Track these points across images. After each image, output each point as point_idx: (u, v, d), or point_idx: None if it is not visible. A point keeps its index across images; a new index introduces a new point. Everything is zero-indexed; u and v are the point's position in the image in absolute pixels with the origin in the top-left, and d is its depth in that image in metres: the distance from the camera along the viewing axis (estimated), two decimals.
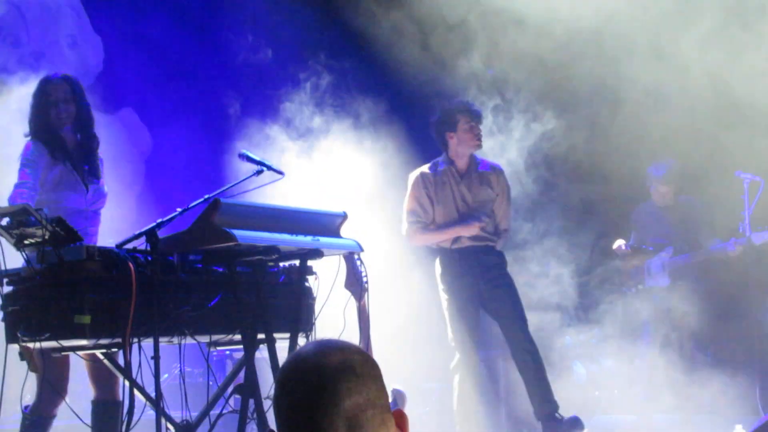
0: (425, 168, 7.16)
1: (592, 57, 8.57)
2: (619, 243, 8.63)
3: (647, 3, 8.34)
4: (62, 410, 6.76)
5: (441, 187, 7.04)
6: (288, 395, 2.16)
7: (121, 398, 5.13)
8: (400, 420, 2.23)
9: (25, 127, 5.58)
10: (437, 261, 7.09)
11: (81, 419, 4.87)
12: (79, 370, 7.09)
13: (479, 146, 7.09)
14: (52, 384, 4.96)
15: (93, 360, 5.15)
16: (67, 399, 6.22)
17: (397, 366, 7.16)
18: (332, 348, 2.20)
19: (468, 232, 6.93)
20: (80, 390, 7.66)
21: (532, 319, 7.31)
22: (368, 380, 2.18)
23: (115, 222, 6.08)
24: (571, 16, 8.26)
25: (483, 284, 6.94)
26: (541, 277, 9.23)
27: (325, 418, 2.11)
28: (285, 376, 2.18)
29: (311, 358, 2.18)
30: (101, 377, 5.21)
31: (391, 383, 6.30)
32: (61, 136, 5.51)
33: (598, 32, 8.19)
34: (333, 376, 2.14)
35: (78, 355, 4.83)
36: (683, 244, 8.34)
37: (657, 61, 8.47)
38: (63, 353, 4.92)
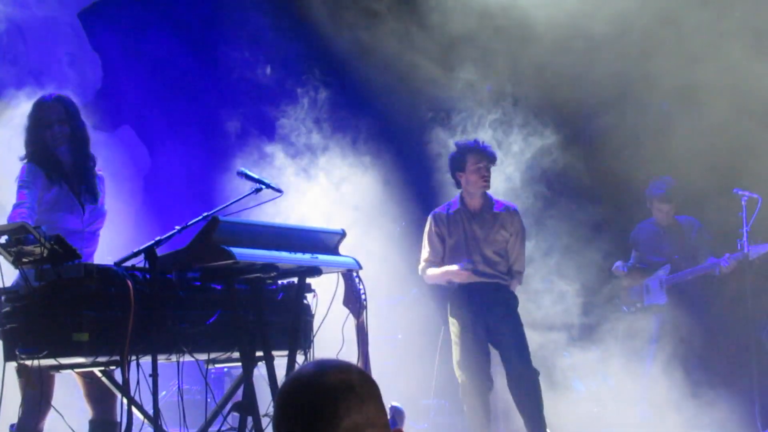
0: (439, 208, 7.20)
1: (605, 67, 8.64)
2: (617, 264, 8.72)
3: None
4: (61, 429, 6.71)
5: (453, 225, 7.05)
6: (288, 415, 2.17)
7: (118, 418, 5.13)
8: None
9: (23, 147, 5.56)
10: (449, 300, 7.07)
11: None
12: (73, 387, 7.03)
13: (486, 187, 7.04)
14: (41, 399, 4.97)
15: (89, 379, 5.15)
16: (65, 416, 6.19)
17: (396, 383, 7.16)
18: (331, 368, 2.20)
19: (457, 277, 6.89)
20: (78, 406, 7.67)
21: (534, 337, 7.31)
22: (367, 399, 2.19)
23: (114, 240, 6.07)
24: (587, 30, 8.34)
25: (490, 318, 6.90)
26: (544, 294, 9.23)
27: None
28: (285, 396, 2.19)
29: (311, 377, 2.18)
30: (98, 397, 5.20)
31: (389, 400, 6.30)
32: (56, 158, 5.48)
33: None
34: (332, 395, 2.15)
35: (74, 374, 4.83)
36: (681, 263, 8.37)
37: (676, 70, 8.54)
38: (60, 371, 4.93)
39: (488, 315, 6.87)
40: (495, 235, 7.02)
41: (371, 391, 2.21)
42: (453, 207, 7.11)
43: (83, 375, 5.20)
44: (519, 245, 7.12)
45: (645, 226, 8.81)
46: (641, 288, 8.56)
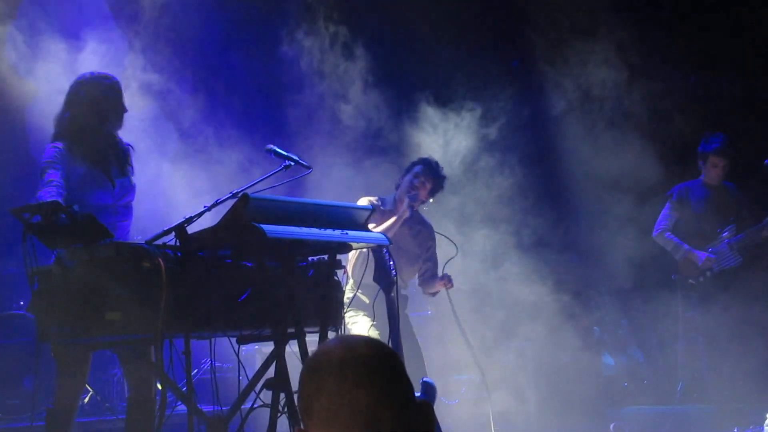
0: (374, 198, 7.33)
1: None
2: (704, 257, 8.07)
3: None
4: (94, 406, 6.77)
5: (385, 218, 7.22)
6: (305, 390, 2.19)
7: (155, 395, 5.17)
8: (426, 410, 2.25)
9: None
10: None
11: (112, 414, 4.90)
12: (111, 366, 7.09)
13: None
14: (76, 378, 5.04)
15: (126, 357, 5.19)
16: (98, 396, 6.24)
17: (427, 358, 7.17)
18: (348, 343, 2.24)
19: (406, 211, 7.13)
20: (112, 386, 7.74)
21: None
22: (381, 376, 2.20)
23: (143, 219, 6.09)
24: None
25: None
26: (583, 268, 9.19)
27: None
28: (303, 371, 2.21)
29: (330, 353, 2.20)
30: (135, 374, 5.24)
31: (421, 375, 6.33)
32: (95, 136, 5.47)
33: None
34: (345, 368, 2.17)
35: (112, 352, 4.86)
36: (746, 222, 7.98)
37: None
38: (94, 349, 4.98)
39: None
40: (413, 247, 7.37)
41: (388, 366, 2.22)
42: (386, 205, 7.33)
43: (120, 353, 5.25)
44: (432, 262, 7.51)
45: (693, 186, 8.29)
46: (707, 255, 8.04)
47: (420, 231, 7.42)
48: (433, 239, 7.51)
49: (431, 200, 7.35)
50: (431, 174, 7.30)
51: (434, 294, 7.37)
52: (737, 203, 8.08)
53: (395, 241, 7.13)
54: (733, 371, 7.75)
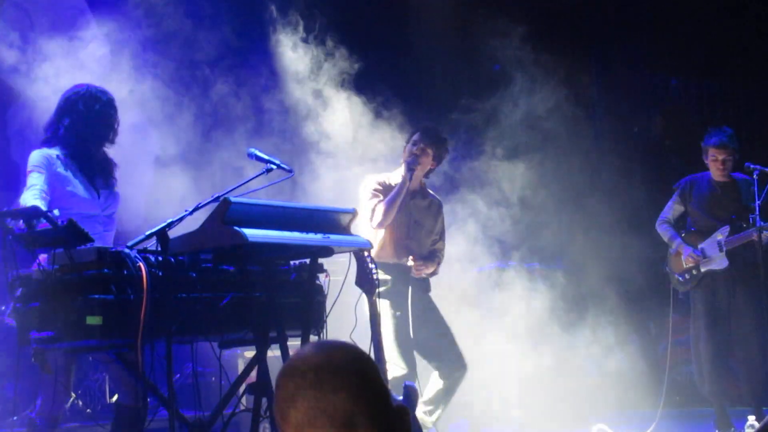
0: (381, 176, 7.16)
1: None
2: (687, 253, 7.93)
3: None
4: (75, 412, 6.72)
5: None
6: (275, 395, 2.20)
7: (141, 401, 5.16)
8: (404, 415, 2.26)
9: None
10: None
11: (93, 421, 4.88)
12: (92, 371, 7.05)
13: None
14: (58, 386, 5.01)
15: (111, 362, 5.17)
16: (79, 402, 6.19)
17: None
18: (323, 349, 2.24)
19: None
20: (93, 391, 7.71)
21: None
22: (377, 380, 2.22)
23: (124, 223, 6.07)
24: None
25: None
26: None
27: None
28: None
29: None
30: (122, 380, 5.22)
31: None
32: (85, 146, 5.48)
33: None
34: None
35: (97, 358, 4.84)
36: (742, 224, 7.78)
37: None
38: (75, 354, 4.96)
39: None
40: (427, 222, 7.19)
41: (364, 371, 2.22)
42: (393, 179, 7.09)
43: (102, 358, 5.23)
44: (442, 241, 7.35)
45: (699, 181, 8.05)
46: (692, 252, 7.86)
47: (432, 202, 7.24)
48: (443, 213, 7.34)
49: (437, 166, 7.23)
50: (430, 139, 7.00)
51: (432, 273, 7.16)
52: (738, 202, 7.89)
53: (413, 214, 7.06)
54: (718, 374, 7.72)
